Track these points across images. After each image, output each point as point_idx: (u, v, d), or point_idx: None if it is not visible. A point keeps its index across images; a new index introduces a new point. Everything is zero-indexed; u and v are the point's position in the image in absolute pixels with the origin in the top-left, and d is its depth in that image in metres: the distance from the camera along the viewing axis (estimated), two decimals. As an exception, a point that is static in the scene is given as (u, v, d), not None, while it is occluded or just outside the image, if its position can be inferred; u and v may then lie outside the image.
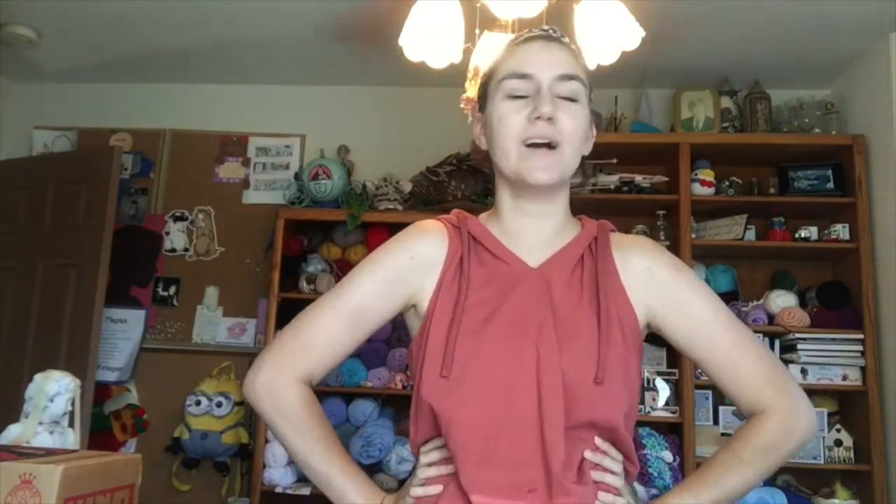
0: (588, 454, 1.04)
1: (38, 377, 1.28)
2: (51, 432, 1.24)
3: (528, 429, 1.01)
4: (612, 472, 1.07)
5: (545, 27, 1.15)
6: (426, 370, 1.05)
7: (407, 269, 1.12)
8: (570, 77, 1.10)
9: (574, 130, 1.08)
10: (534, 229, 1.13)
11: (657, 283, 1.12)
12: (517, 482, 1.00)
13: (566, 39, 1.15)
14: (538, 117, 1.06)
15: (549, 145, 1.07)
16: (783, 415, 1.08)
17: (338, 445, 1.11)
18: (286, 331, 1.17)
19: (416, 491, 1.07)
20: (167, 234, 3.68)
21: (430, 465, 1.08)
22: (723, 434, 3.02)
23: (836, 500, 2.86)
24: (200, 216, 3.69)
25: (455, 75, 2.30)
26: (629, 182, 3.19)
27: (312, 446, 1.10)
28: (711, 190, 3.17)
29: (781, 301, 3.06)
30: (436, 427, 1.05)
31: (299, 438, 1.10)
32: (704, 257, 3.23)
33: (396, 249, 1.15)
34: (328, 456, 1.09)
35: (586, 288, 1.09)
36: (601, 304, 1.07)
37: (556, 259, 1.12)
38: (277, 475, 3.11)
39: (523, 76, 1.09)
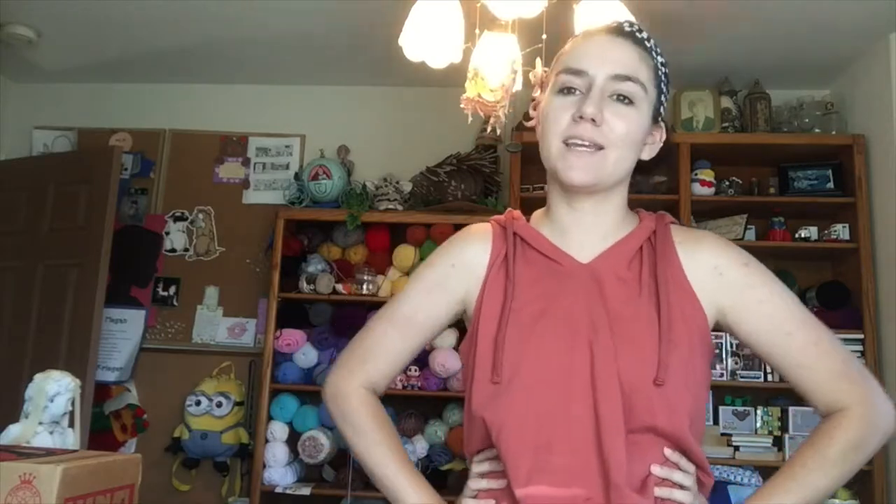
0: (656, 469, 0.98)
1: (38, 377, 1.27)
2: (51, 432, 1.24)
3: (584, 435, 0.97)
4: (683, 487, 0.99)
5: (623, 20, 1.10)
6: (476, 377, 1.03)
7: (449, 276, 1.13)
8: (626, 78, 1.04)
9: (623, 134, 1.03)
10: (585, 225, 1.09)
11: (726, 282, 1.06)
12: (573, 494, 0.95)
13: (642, 34, 1.08)
14: (581, 117, 1.02)
15: (593, 146, 1.03)
16: (864, 408, 1.01)
17: (398, 449, 1.12)
18: (350, 343, 1.20)
19: (468, 503, 1.05)
20: (167, 234, 3.68)
21: (481, 475, 1.05)
22: (722, 434, 3.02)
23: (837, 500, 2.86)
24: (200, 216, 3.69)
25: (455, 75, 2.30)
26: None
27: (372, 448, 1.11)
28: (711, 190, 3.17)
29: (781, 301, 3.06)
30: (488, 436, 1.02)
31: (360, 440, 1.12)
32: (704, 257, 3.23)
33: (440, 257, 1.16)
34: (386, 458, 1.10)
35: (645, 283, 1.04)
36: (661, 300, 1.01)
37: (609, 254, 1.07)
38: (277, 475, 3.11)
39: (577, 72, 1.05)
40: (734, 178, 3.21)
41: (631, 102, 1.04)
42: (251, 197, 3.69)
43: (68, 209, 3.27)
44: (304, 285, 3.26)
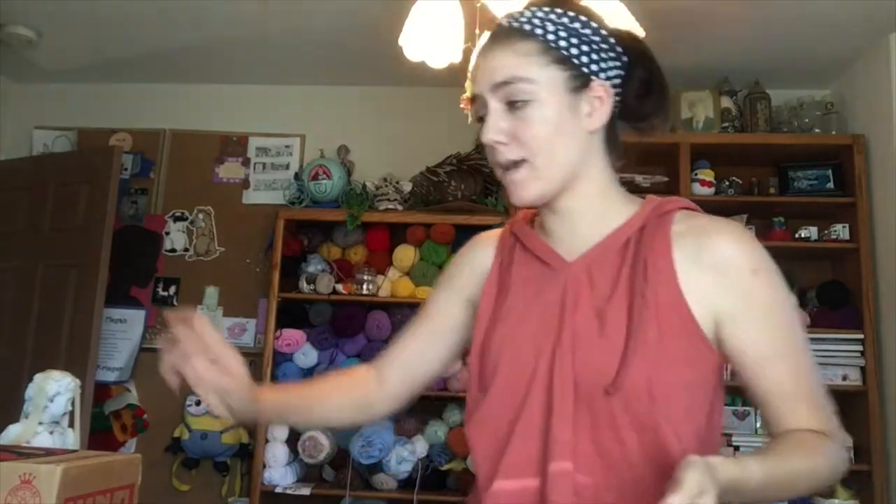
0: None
1: (38, 377, 1.27)
2: (51, 432, 1.24)
3: (535, 449, 0.94)
4: None
5: (503, 18, 1.02)
6: (469, 385, 1.04)
7: (461, 280, 1.14)
8: (505, 83, 0.97)
9: (533, 138, 0.96)
10: (565, 224, 1.04)
11: (728, 283, 0.95)
12: (522, 486, 0.94)
13: (520, 21, 0.99)
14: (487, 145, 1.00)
15: (515, 164, 0.98)
16: (825, 436, 0.93)
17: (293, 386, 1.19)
18: None
19: None
20: (167, 234, 3.67)
21: None
22: (722, 434, 3.02)
23: (836, 500, 2.86)
24: (200, 216, 3.69)
25: (455, 75, 2.29)
26: (629, 182, 3.18)
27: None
28: (711, 190, 3.17)
29: (781, 301, 3.06)
30: None
31: None
32: (704, 257, 3.23)
33: (454, 262, 1.19)
34: None
35: (623, 281, 0.95)
36: (635, 297, 0.93)
37: (594, 251, 1.00)
38: (277, 475, 3.11)
39: (473, 98, 1.02)
40: (734, 178, 3.21)
41: (525, 102, 0.97)
42: (251, 197, 3.69)
43: (68, 209, 3.26)
44: (304, 285, 3.26)
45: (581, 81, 0.99)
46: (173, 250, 3.66)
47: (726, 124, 3.30)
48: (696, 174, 3.17)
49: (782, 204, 3.18)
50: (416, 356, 1.17)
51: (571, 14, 0.99)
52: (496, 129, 0.98)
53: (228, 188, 3.71)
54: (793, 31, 2.98)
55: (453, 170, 3.25)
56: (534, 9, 1.00)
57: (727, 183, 3.19)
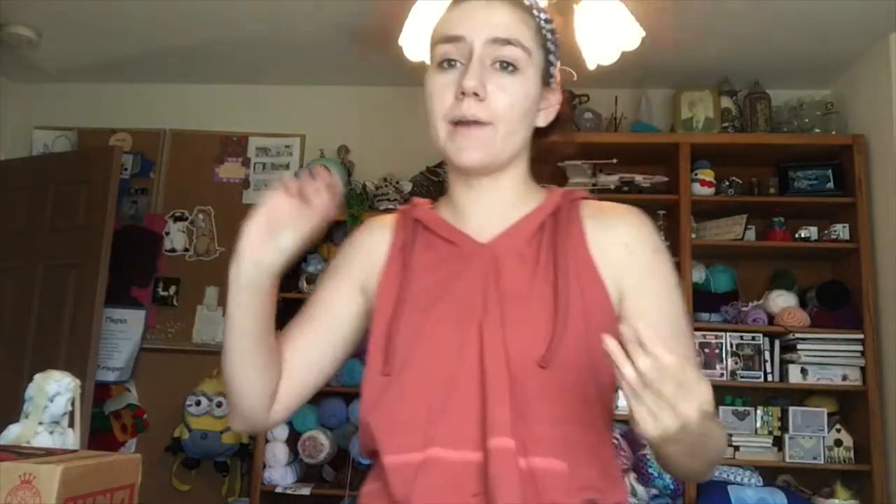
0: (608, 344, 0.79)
1: (38, 377, 1.27)
2: (51, 432, 1.24)
3: (470, 427, 0.89)
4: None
5: None
6: (367, 370, 0.97)
7: (352, 268, 1.07)
8: (507, 41, 0.95)
9: (507, 107, 0.95)
10: (484, 203, 1.02)
11: (634, 262, 0.98)
12: (457, 487, 0.88)
13: None
14: (463, 93, 0.94)
15: (479, 122, 0.95)
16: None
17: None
18: None
19: None
20: (167, 234, 3.68)
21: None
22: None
23: (836, 500, 2.86)
24: (200, 216, 3.69)
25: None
26: (629, 182, 3.19)
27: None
28: (711, 190, 3.17)
29: (781, 301, 3.06)
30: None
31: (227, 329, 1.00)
32: (704, 257, 3.23)
33: (343, 250, 1.11)
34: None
35: (543, 261, 0.97)
36: (559, 279, 0.94)
37: (510, 232, 1.00)
38: (277, 475, 3.11)
39: (453, 38, 0.97)
40: (734, 178, 3.21)
41: (515, 69, 0.96)
42: (251, 197, 3.69)
43: (68, 209, 3.27)
44: (304, 285, 3.26)
45: (547, 78, 1.02)
46: (173, 250, 3.67)
47: (726, 124, 3.30)
48: (696, 174, 3.17)
49: (782, 204, 3.18)
50: (310, 362, 1.06)
51: (549, 17, 1.03)
52: (481, 79, 0.94)
53: (228, 188, 3.71)
54: (793, 31, 2.98)
55: (453, 170, 3.25)
56: None
57: (727, 183, 3.19)
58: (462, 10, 0.99)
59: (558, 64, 1.06)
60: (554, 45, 1.03)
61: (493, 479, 0.86)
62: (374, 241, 1.07)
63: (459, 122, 0.96)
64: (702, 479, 1.01)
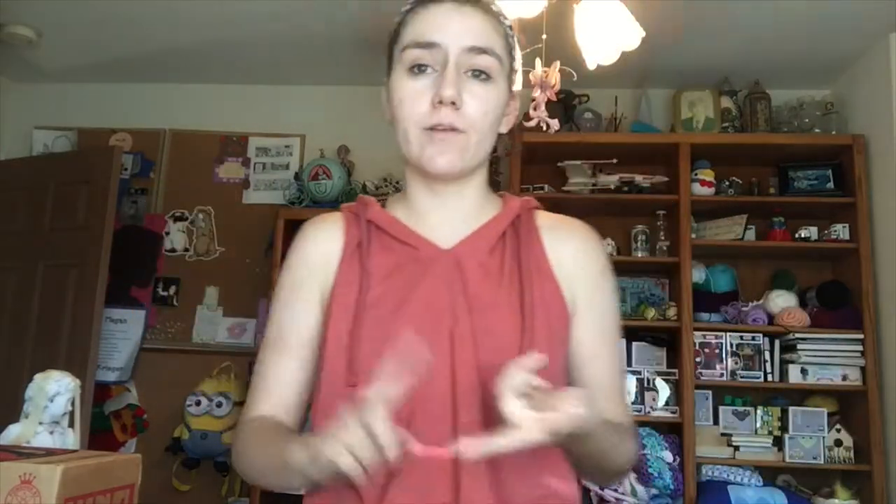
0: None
1: (38, 377, 1.27)
2: (51, 432, 1.24)
3: (442, 432, 0.88)
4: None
5: None
6: (325, 385, 0.94)
7: (312, 280, 1.01)
8: (482, 50, 0.95)
9: (482, 116, 0.95)
10: (446, 210, 1.01)
11: (583, 275, 1.01)
12: (429, 493, 0.87)
13: (491, 3, 1.00)
14: (441, 102, 0.93)
15: (455, 129, 0.94)
16: (628, 428, 1.00)
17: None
18: (251, 384, 1.05)
19: None
20: (167, 234, 3.68)
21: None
22: (722, 434, 3.02)
23: (836, 500, 2.86)
24: (200, 216, 3.69)
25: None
26: (629, 182, 3.19)
27: (267, 441, 0.94)
28: (711, 190, 3.17)
29: (781, 301, 3.06)
30: None
31: (258, 446, 0.95)
32: (704, 257, 3.23)
33: (294, 256, 1.05)
34: (279, 441, 0.92)
35: (507, 270, 0.97)
36: (525, 288, 0.95)
37: (472, 239, 0.99)
38: (277, 475, 3.11)
39: (428, 45, 0.95)
40: (734, 178, 3.21)
41: (488, 77, 0.96)
42: (251, 197, 3.69)
43: (68, 209, 3.27)
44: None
45: (511, 86, 1.03)
46: (173, 250, 3.67)
47: (726, 124, 3.31)
48: (696, 174, 3.17)
49: (782, 204, 3.18)
50: (300, 390, 1.01)
51: (509, 23, 1.04)
52: (458, 88, 0.94)
53: (228, 188, 3.71)
54: (793, 31, 2.98)
55: (453, 170, 3.25)
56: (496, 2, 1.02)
57: (727, 183, 3.19)
58: (434, 15, 0.97)
59: (519, 70, 1.08)
60: (515, 52, 1.04)
61: (465, 486, 0.88)
62: (329, 249, 1.02)
63: (434, 128, 0.95)
64: (602, 483, 1.06)
